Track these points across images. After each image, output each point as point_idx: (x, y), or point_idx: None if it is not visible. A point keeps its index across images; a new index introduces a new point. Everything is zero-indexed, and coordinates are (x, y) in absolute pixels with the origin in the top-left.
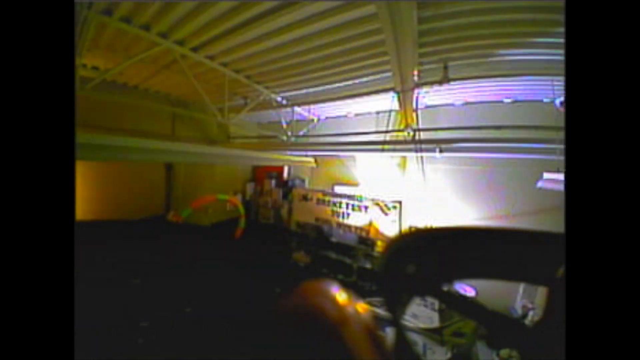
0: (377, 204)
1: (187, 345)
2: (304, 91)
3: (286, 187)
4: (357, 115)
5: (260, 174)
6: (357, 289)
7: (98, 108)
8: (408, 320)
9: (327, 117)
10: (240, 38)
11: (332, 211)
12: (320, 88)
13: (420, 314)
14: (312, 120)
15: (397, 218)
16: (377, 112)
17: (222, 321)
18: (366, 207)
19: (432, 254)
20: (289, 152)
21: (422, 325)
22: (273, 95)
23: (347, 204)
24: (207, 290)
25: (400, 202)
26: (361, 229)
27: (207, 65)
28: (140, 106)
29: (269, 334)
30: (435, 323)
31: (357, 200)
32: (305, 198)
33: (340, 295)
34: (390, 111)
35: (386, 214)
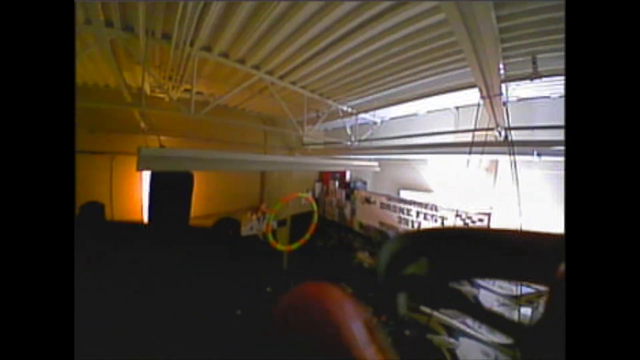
0: (459, 216)
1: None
2: (370, 97)
3: (348, 188)
4: (429, 112)
5: (325, 174)
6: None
7: (211, 127)
8: (481, 333)
9: (391, 118)
10: (317, 63)
11: (399, 218)
12: (389, 92)
13: None
14: (375, 123)
15: None
16: (457, 107)
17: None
18: (442, 219)
19: (432, 254)
20: (352, 156)
21: (496, 340)
22: (340, 106)
23: (418, 213)
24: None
25: (489, 215)
26: None
27: (289, 89)
28: (240, 123)
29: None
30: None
31: (432, 209)
32: (367, 200)
33: (341, 297)
34: (476, 106)
35: None
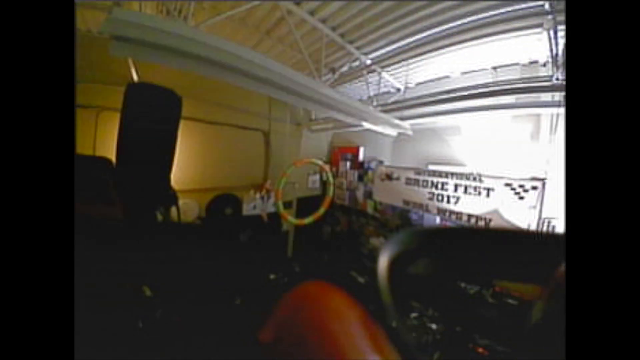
0: (509, 185)
1: None
2: (399, 44)
3: (362, 169)
4: (464, 73)
5: (335, 155)
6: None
7: (211, 88)
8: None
9: (418, 83)
10: None
11: (432, 194)
12: (420, 36)
13: None
14: (398, 90)
15: (537, 203)
16: (495, 68)
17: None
18: (488, 191)
19: (432, 254)
20: (373, 127)
21: None
22: (363, 58)
23: (457, 186)
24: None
25: (543, 181)
26: (480, 218)
27: (304, 27)
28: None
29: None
30: None
31: (475, 179)
32: (389, 177)
33: (341, 298)
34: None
35: (521, 198)
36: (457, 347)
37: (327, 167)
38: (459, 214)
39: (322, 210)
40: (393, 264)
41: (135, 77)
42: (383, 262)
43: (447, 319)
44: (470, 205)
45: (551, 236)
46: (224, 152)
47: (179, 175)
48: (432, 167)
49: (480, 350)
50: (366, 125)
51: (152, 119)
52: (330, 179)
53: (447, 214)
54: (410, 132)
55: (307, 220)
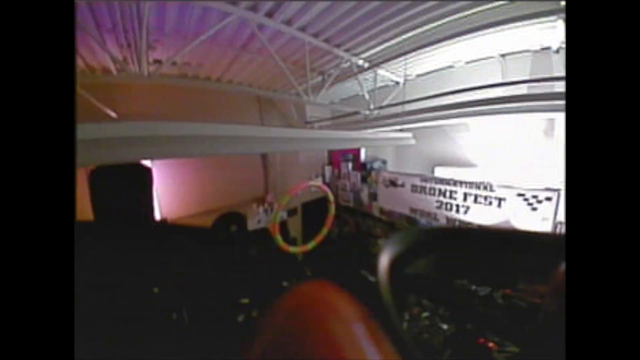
0: (522, 195)
1: None
2: (394, 41)
3: (364, 170)
4: (468, 63)
5: (335, 156)
6: (477, 316)
7: (196, 105)
8: None
9: (418, 75)
10: None
11: (440, 203)
12: (416, 32)
13: None
14: (397, 83)
15: (550, 214)
16: (503, 55)
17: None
18: (500, 201)
19: (432, 253)
20: (371, 130)
21: None
22: (354, 59)
23: (466, 195)
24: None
25: (558, 192)
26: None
27: (283, 35)
28: (228, 99)
29: None
30: None
31: (486, 188)
32: (393, 183)
33: (341, 298)
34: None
35: (534, 209)
36: (467, 345)
37: (325, 188)
38: (469, 225)
39: (324, 231)
40: (394, 263)
41: (112, 114)
42: (384, 261)
43: (457, 319)
44: (480, 216)
45: (551, 236)
46: (220, 170)
47: (177, 202)
48: (438, 169)
49: (491, 345)
50: (365, 144)
51: (118, 198)
52: (330, 197)
53: (457, 224)
54: (412, 142)
55: (310, 245)
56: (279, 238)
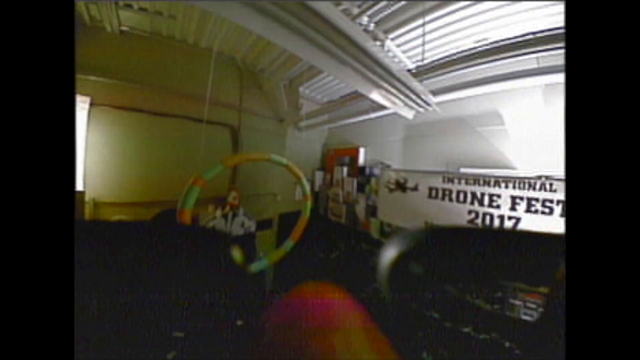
0: None
1: None
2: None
3: (362, 175)
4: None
5: (329, 159)
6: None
7: (167, 72)
8: None
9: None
10: None
11: (475, 213)
12: None
13: None
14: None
15: None
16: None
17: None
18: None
19: (432, 253)
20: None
21: None
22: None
23: (514, 199)
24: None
25: None
26: None
27: None
28: (205, 70)
29: None
30: None
31: (543, 187)
32: (402, 186)
33: (341, 298)
34: None
35: None
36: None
37: (298, 171)
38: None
39: (290, 244)
40: (394, 264)
41: None
42: (384, 261)
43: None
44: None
45: (551, 236)
46: (172, 152)
47: (109, 184)
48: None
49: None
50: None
51: None
52: (307, 189)
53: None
54: (437, 109)
55: (271, 258)
56: (236, 252)
